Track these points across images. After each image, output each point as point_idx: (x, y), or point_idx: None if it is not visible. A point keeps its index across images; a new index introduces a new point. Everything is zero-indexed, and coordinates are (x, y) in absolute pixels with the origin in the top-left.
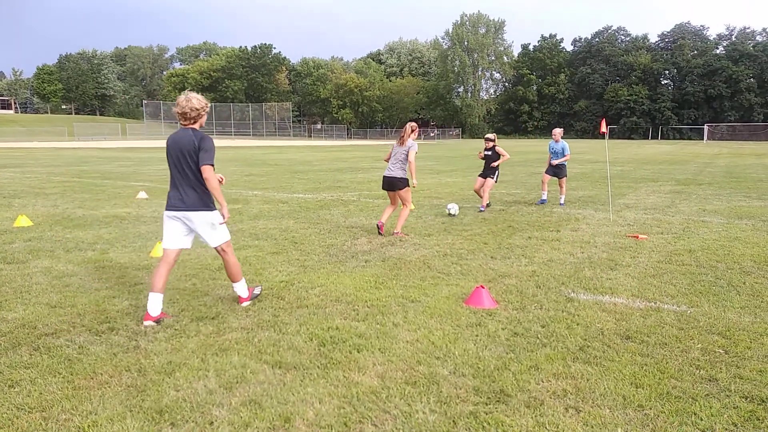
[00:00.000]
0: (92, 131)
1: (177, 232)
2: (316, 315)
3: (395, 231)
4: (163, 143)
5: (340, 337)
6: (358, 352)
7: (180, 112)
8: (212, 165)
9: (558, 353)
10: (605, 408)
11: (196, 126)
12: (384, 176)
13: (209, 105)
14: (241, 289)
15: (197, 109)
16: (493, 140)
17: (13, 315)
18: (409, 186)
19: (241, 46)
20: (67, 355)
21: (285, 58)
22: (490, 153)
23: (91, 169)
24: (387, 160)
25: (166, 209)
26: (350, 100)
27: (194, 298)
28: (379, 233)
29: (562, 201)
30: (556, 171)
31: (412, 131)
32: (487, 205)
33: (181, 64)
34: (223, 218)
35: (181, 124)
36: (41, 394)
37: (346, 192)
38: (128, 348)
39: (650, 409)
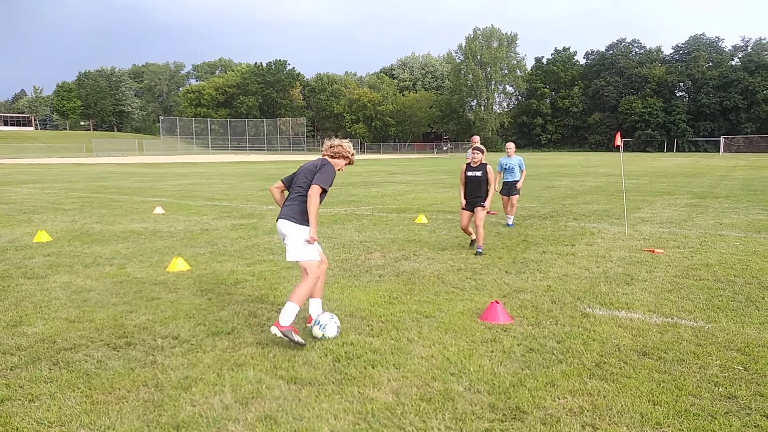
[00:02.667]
0: (110, 147)
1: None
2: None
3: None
4: (179, 159)
5: (355, 353)
6: (373, 367)
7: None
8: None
9: (574, 369)
10: (622, 426)
11: (331, 160)
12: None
13: (351, 151)
14: (287, 312)
15: (339, 148)
16: (483, 152)
17: (33, 330)
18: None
19: (256, 63)
20: (86, 370)
21: (299, 73)
22: (478, 174)
23: (109, 185)
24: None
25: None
26: (363, 115)
27: (210, 313)
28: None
29: (510, 221)
30: (509, 189)
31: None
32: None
33: (197, 81)
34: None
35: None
36: (60, 408)
37: (359, 206)
38: (145, 363)
39: (668, 427)
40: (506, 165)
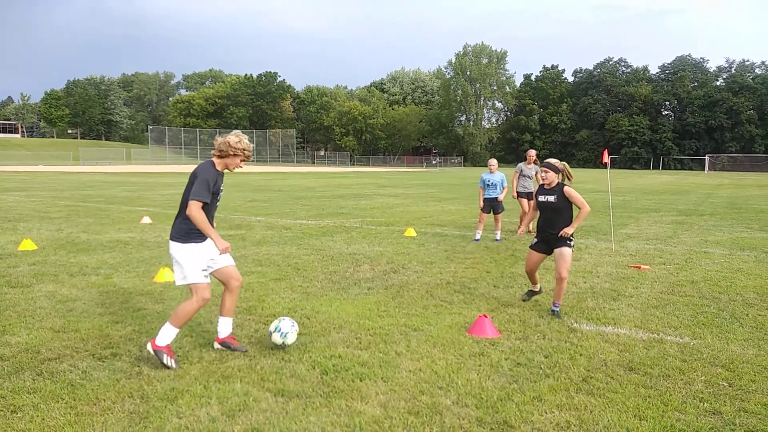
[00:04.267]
0: (97, 156)
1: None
2: (318, 343)
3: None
4: (167, 168)
5: (343, 366)
6: (361, 380)
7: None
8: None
9: (561, 384)
10: None
11: (217, 162)
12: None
13: (245, 146)
14: (164, 333)
15: (225, 144)
16: (560, 170)
17: (17, 339)
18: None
19: (246, 74)
20: (70, 381)
21: (290, 85)
22: (553, 199)
23: (96, 194)
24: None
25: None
26: (353, 128)
27: (197, 325)
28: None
29: (498, 236)
30: (494, 206)
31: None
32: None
33: (186, 91)
34: (223, 251)
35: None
36: (44, 419)
37: (348, 219)
38: (131, 374)
39: None
40: (489, 181)
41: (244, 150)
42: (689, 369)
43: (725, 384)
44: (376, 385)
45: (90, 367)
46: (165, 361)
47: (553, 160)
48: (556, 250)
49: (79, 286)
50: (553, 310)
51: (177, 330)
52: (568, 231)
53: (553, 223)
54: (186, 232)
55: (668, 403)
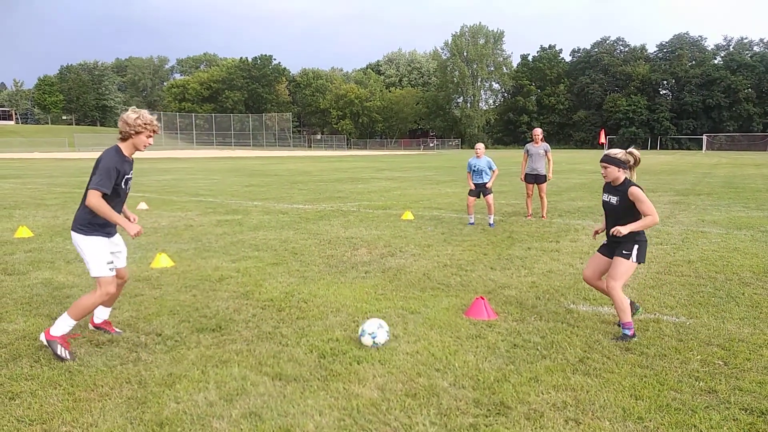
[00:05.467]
0: (92, 142)
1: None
2: (316, 326)
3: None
4: (163, 154)
5: (340, 349)
6: (358, 363)
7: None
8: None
9: (558, 365)
10: (605, 420)
11: (122, 145)
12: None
13: (145, 121)
14: (60, 324)
15: (127, 124)
16: (626, 163)
17: (14, 326)
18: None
19: (241, 57)
20: (68, 367)
21: (285, 68)
22: (615, 201)
23: None
24: None
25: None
26: (350, 111)
27: (195, 310)
28: None
29: (491, 221)
30: (482, 190)
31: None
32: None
33: (181, 75)
34: (134, 235)
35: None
36: (42, 406)
37: (345, 203)
38: (129, 360)
39: (650, 421)
40: (475, 166)
41: (146, 125)
42: (685, 348)
43: (721, 363)
44: (374, 368)
45: (87, 354)
46: (59, 352)
47: (615, 151)
48: (616, 258)
49: (76, 273)
50: (623, 336)
51: (75, 322)
52: (621, 230)
53: (614, 219)
54: (89, 222)
55: (664, 383)
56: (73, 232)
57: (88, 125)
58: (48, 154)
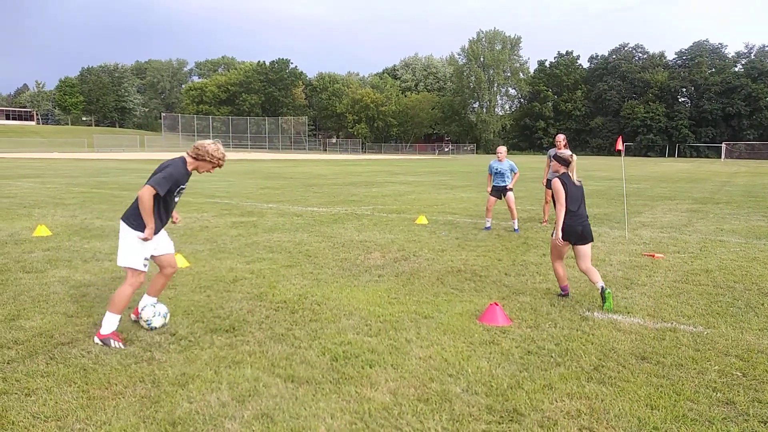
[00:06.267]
0: (111, 143)
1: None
2: (328, 329)
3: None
4: (180, 155)
5: (353, 352)
6: (371, 367)
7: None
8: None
9: (572, 373)
10: (620, 430)
11: (189, 161)
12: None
13: (220, 156)
14: (107, 323)
15: (203, 151)
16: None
17: (31, 324)
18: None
19: (259, 61)
20: (83, 365)
21: (302, 72)
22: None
23: (110, 180)
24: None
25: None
26: (365, 115)
27: (209, 311)
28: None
29: (516, 226)
30: (502, 191)
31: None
32: None
33: (199, 78)
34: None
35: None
36: (57, 403)
37: (360, 206)
38: (143, 359)
39: None
40: (497, 169)
41: (219, 159)
42: (702, 358)
43: (739, 374)
44: (386, 372)
45: (102, 352)
46: (113, 346)
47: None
48: None
49: (93, 272)
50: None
51: (118, 316)
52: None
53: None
54: (138, 216)
55: (680, 393)
56: (121, 221)
57: (108, 126)
58: (67, 155)
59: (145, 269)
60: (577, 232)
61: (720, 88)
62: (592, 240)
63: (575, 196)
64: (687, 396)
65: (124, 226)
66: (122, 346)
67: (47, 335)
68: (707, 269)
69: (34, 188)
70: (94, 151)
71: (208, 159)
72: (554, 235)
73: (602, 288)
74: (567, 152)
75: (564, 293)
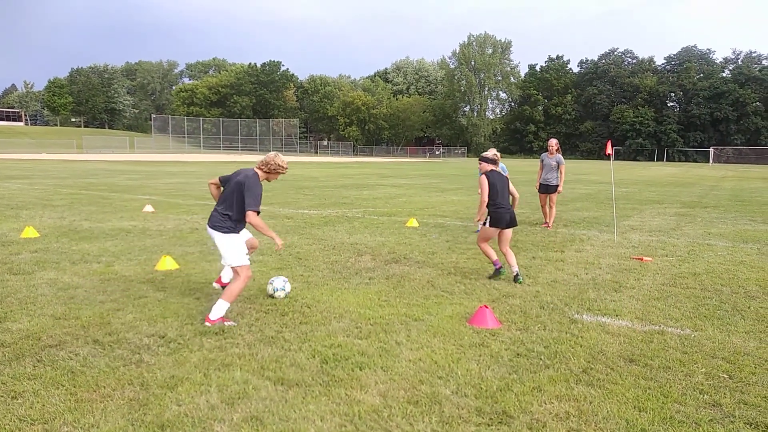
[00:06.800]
0: (100, 144)
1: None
2: (318, 332)
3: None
4: (170, 157)
5: (343, 355)
6: (361, 370)
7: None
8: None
9: (561, 375)
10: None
11: (261, 173)
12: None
13: (284, 166)
14: (217, 309)
15: (279, 166)
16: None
17: (18, 326)
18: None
19: (250, 63)
20: (71, 368)
21: (293, 75)
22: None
23: (99, 182)
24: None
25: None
26: (357, 118)
27: (198, 313)
28: None
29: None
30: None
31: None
32: None
33: (190, 80)
34: (278, 247)
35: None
36: (44, 406)
37: (350, 209)
38: (131, 361)
39: None
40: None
41: (286, 168)
42: (690, 361)
43: (726, 376)
44: (376, 375)
45: (90, 354)
46: (227, 324)
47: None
48: None
49: (81, 274)
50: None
51: (228, 304)
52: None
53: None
54: (230, 227)
55: (668, 395)
56: (214, 230)
57: (97, 127)
58: (56, 156)
59: (249, 262)
60: (506, 219)
61: (708, 93)
62: (516, 225)
63: (502, 190)
64: (674, 398)
65: (218, 234)
66: (235, 324)
67: (34, 337)
68: (695, 272)
69: (22, 189)
70: (83, 152)
71: (279, 171)
72: (486, 224)
73: (516, 274)
74: (491, 152)
75: (497, 267)
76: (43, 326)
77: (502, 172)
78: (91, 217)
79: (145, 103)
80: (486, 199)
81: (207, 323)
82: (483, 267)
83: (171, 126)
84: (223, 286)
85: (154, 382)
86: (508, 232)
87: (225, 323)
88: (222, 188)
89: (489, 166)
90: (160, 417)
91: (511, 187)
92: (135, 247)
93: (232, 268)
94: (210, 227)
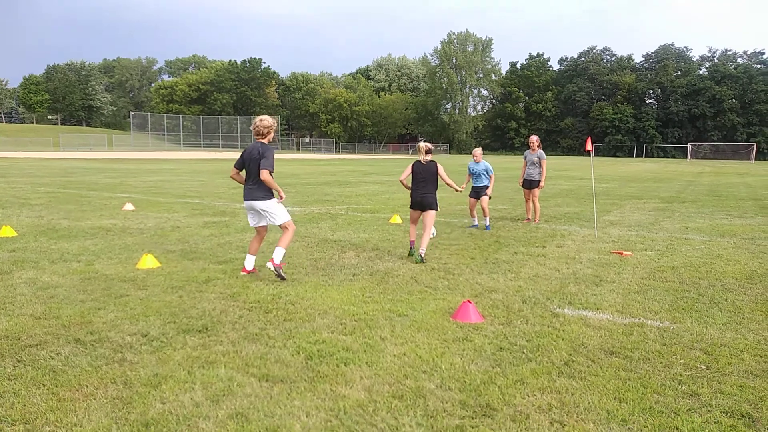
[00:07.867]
0: (78, 142)
1: (251, 216)
2: (303, 328)
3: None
4: (150, 155)
5: (327, 351)
6: (345, 365)
7: (254, 129)
8: (269, 170)
9: (543, 368)
10: (589, 422)
11: (265, 140)
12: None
13: (276, 123)
14: (279, 254)
15: (267, 127)
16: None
17: None
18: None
19: (230, 60)
20: (52, 367)
21: (274, 72)
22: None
23: (77, 180)
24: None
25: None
26: (339, 115)
27: (181, 311)
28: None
29: (487, 223)
30: (478, 193)
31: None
32: None
33: (169, 77)
34: (280, 199)
35: (255, 139)
36: (25, 406)
37: (334, 206)
38: (114, 360)
39: (633, 423)
40: (473, 170)
41: (271, 122)
42: (668, 352)
43: (703, 367)
44: (361, 370)
45: (72, 354)
46: (282, 275)
47: (430, 145)
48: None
49: (60, 273)
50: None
51: (285, 250)
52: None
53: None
54: (266, 193)
55: (647, 386)
56: (260, 201)
57: (74, 125)
58: (33, 154)
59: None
60: (419, 201)
61: (685, 90)
62: (431, 209)
63: (421, 176)
64: (654, 389)
65: (261, 202)
66: (285, 277)
67: (14, 338)
68: (673, 266)
69: None
70: (61, 150)
71: (270, 127)
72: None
73: (421, 255)
74: (422, 144)
75: (412, 247)
76: (22, 326)
77: (489, 172)
78: (70, 215)
79: (124, 101)
80: (402, 179)
81: (270, 264)
82: (465, 262)
83: (150, 123)
84: (251, 272)
85: (137, 381)
86: (427, 214)
87: (281, 273)
88: (241, 172)
89: (422, 155)
90: (144, 415)
91: (446, 177)
92: (115, 246)
93: (280, 225)
94: (251, 200)
